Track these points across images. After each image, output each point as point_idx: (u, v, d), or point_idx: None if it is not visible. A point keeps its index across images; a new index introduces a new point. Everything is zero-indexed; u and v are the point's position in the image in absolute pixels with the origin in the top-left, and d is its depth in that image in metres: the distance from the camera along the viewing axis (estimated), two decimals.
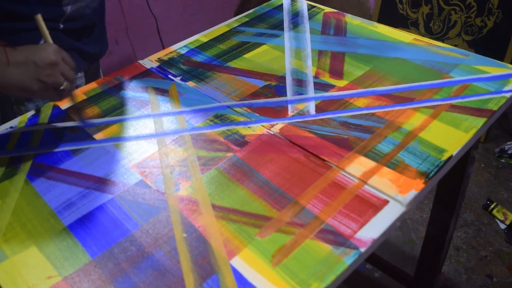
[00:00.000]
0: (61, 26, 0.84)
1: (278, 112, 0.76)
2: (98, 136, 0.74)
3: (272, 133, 0.72)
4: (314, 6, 1.07)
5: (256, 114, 0.76)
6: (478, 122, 0.70)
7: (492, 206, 1.55)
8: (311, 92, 0.81)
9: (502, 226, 1.52)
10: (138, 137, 0.73)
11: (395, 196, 0.60)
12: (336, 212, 0.58)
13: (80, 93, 0.84)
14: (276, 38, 0.97)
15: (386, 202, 0.59)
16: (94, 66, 1.04)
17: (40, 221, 0.60)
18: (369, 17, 2.14)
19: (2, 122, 0.81)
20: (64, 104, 0.81)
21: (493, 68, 0.82)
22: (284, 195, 0.61)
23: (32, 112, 0.80)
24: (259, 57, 0.91)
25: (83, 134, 0.74)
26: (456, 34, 1.86)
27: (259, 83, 0.84)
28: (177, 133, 0.74)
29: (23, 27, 0.80)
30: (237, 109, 0.78)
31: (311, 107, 0.77)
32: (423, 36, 1.85)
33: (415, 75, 0.82)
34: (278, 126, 0.73)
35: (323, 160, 0.66)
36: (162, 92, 0.83)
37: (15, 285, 0.52)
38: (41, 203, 0.63)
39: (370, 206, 0.59)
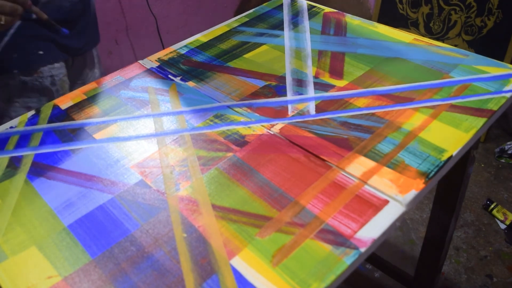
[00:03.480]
0: (33, 16, 0.83)
1: (278, 112, 0.76)
2: (98, 136, 0.74)
3: (272, 133, 0.72)
4: (314, 6, 1.07)
5: (256, 114, 0.76)
6: (478, 122, 0.70)
7: (492, 206, 1.55)
8: (311, 92, 0.81)
9: (502, 226, 1.52)
10: (138, 137, 0.73)
11: (395, 196, 0.60)
12: (336, 212, 0.58)
13: (80, 93, 0.84)
14: (276, 38, 0.97)
15: (386, 202, 0.59)
16: (81, 59, 1.03)
17: (40, 221, 0.60)
18: (369, 17, 2.14)
19: None
20: (64, 104, 0.81)
21: (493, 68, 0.82)
22: (284, 195, 0.61)
23: (32, 112, 0.80)
24: (259, 57, 0.91)
25: (83, 134, 0.74)
26: (456, 34, 1.86)
27: (259, 83, 0.84)
28: (177, 133, 0.74)
29: None
30: (237, 109, 0.78)
31: (311, 107, 0.77)
32: (423, 36, 1.85)
33: (415, 75, 0.82)
34: (278, 126, 0.73)
35: (323, 160, 0.66)
36: (162, 92, 0.83)
37: (15, 285, 0.53)
38: (41, 203, 0.63)
39: (370, 206, 0.59)
